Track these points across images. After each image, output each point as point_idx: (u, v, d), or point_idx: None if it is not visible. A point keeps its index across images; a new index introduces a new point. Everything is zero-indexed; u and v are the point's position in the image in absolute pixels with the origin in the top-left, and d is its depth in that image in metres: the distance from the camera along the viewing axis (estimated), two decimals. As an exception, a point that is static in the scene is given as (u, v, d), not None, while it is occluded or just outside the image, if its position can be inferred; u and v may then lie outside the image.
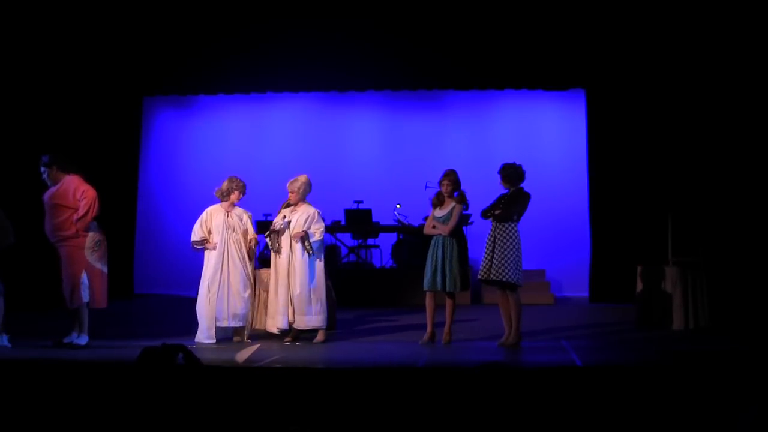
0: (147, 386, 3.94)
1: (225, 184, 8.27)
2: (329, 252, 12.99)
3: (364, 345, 8.05)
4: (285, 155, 13.94)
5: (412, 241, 12.25)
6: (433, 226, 7.97)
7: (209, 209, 8.23)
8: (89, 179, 7.64)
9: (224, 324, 8.07)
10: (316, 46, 11.93)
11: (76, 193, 7.43)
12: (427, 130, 13.85)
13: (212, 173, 14.21)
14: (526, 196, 7.83)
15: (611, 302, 11.07)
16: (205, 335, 7.97)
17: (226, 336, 8.15)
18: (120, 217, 11.86)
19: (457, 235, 7.95)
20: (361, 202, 12.62)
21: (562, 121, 13.36)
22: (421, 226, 8.71)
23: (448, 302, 7.91)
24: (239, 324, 8.11)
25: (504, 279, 7.64)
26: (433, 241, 7.97)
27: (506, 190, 7.89)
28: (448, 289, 7.82)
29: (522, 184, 7.87)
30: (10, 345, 7.43)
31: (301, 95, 13.35)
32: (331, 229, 12.71)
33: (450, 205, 7.93)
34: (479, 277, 7.92)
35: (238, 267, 8.06)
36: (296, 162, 13.80)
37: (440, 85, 12.69)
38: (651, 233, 10.37)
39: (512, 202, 7.77)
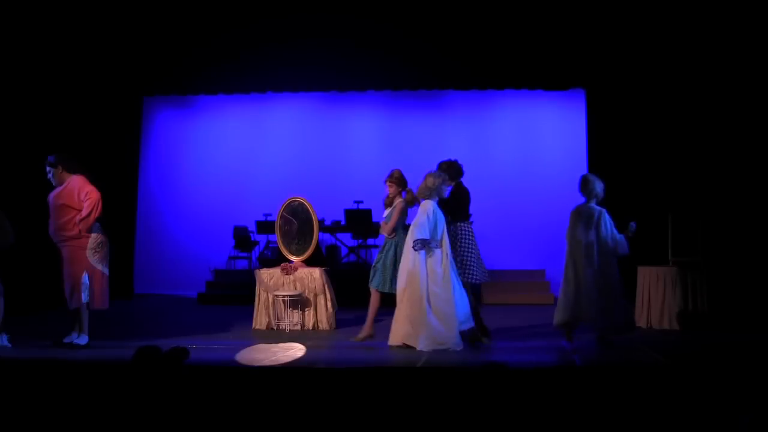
0: (143, 386, 3.94)
1: (431, 180, 7.36)
2: (329, 252, 12.99)
3: (363, 345, 8.03)
4: (285, 155, 13.96)
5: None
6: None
7: (434, 205, 7.37)
8: (89, 179, 7.64)
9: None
10: (316, 46, 11.94)
11: (81, 193, 7.43)
12: (427, 130, 13.86)
13: (212, 173, 14.26)
14: (462, 194, 7.69)
15: (611, 302, 11.05)
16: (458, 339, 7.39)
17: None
18: (120, 217, 11.86)
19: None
20: (361, 202, 12.61)
21: (562, 121, 13.37)
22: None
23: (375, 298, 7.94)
24: None
25: (468, 281, 7.64)
26: (386, 242, 7.93)
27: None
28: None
29: (463, 180, 7.77)
30: (10, 345, 7.43)
31: (301, 95, 13.36)
32: (331, 229, 12.71)
33: (394, 204, 7.87)
34: None
35: None
36: (296, 162, 13.83)
37: (440, 85, 12.71)
38: (651, 233, 10.36)
39: (450, 203, 7.60)
